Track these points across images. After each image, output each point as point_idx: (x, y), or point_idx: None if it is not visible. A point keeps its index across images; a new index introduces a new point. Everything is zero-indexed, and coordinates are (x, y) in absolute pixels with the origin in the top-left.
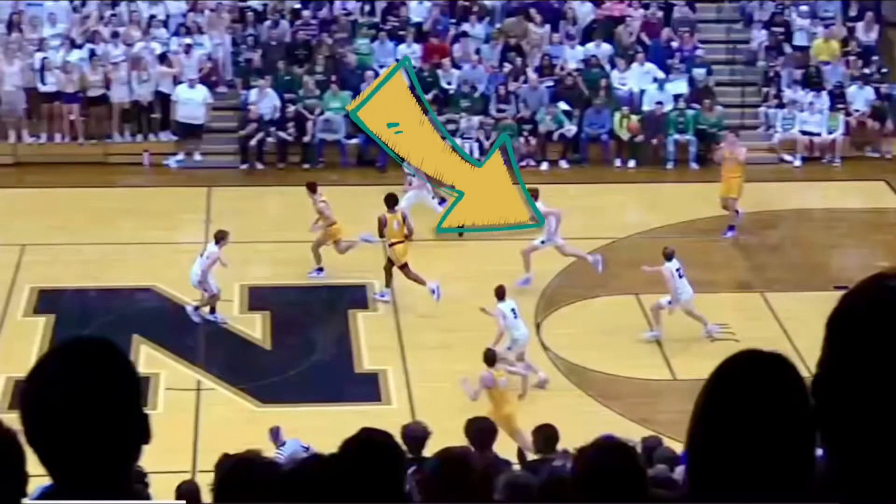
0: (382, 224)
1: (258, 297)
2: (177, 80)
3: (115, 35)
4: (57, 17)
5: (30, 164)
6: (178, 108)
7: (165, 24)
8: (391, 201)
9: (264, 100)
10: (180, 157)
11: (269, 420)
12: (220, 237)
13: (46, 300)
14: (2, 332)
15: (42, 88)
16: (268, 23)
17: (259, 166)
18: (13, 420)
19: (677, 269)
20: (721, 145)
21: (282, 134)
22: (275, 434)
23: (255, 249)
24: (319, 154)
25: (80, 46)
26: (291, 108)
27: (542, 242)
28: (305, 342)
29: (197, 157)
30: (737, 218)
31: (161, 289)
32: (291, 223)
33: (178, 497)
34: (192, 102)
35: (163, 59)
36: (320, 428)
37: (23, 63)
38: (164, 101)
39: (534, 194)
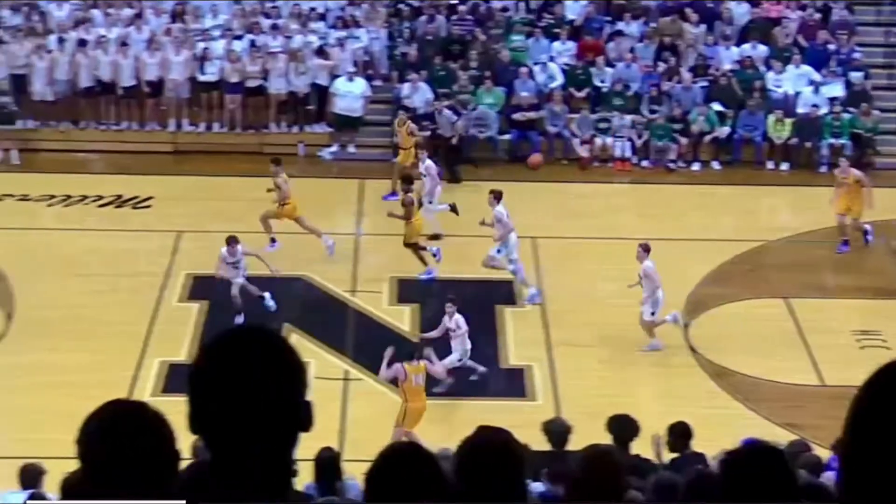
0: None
1: (407, 290)
2: (333, 73)
3: (274, 27)
4: (219, 8)
5: (188, 152)
6: (337, 100)
7: (323, 17)
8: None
9: (417, 94)
10: (334, 148)
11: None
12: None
13: (201, 286)
14: (157, 317)
15: (202, 78)
16: (424, 17)
17: None
18: (167, 404)
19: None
20: (835, 171)
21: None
22: None
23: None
24: (472, 149)
25: (240, 37)
26: (445, 103)
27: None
28: None
29: (351, 149)
30: (867, 235)
31: (312, 278)
32: (442, 217)
33: (318, 464)
34: (350, 95)
35: (320, 51)
36: (466, 420)
37: (188, 53)
38: (320, 93)
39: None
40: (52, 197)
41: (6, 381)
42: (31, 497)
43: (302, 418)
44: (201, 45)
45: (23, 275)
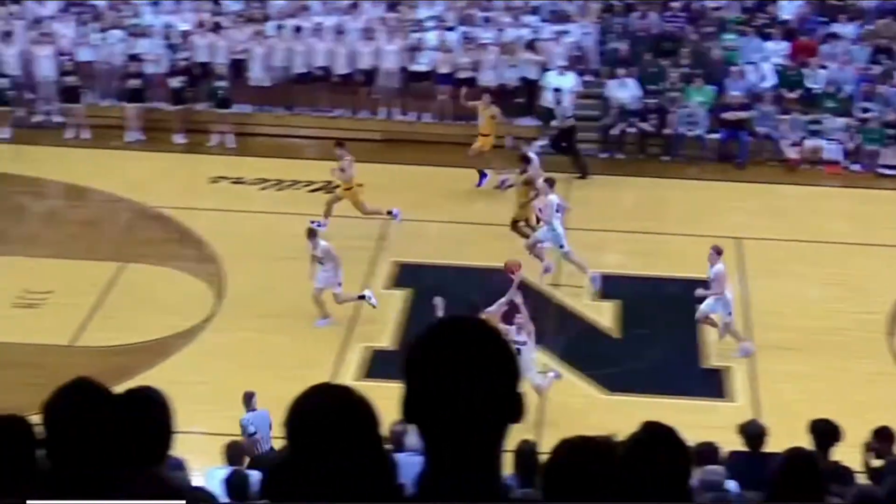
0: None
1: (609, 286)
2: (543, 67)
3: (487, 20)
4: None
5: (397, 140)
6: (546, 93)
7: (536, 11)
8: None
9: (627, 90)
10: (542, 141)
11: (613, 408)
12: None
13: (406, 274)
14: (365, 303)
15: (414, 68)
16: (636, 14)
17: (619, 156)
18: (369, 389)
19: None
20: None
21: (643, 125)
22: (248, 399)
23: (607, 238)
24: (680, 147)
25: (452, 29)
26: (654, 100)
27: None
28: (653, 334)
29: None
30: None
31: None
32: (645, 214)
33: (517, 455)
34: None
35: (530, 45)
36: (668, 421)
37: (402, 43)
38: (528, 86)
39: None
40: (265, 181)
41: (215, 360)
42: (233, 474)
43: (514, 409)
44: (415, 35)
45: (234, 256)
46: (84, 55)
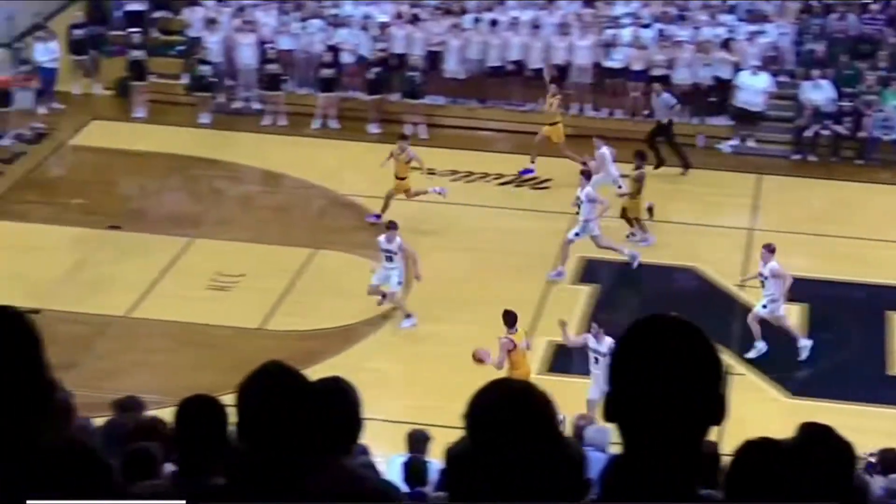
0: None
1: (797, 289)
2: (738, 67)
3: (682, 17)
4: None
5: (590, 136)
6: (739, 93)
7: (732, 10)
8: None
9: (822, 92)
10: (735, 141)
11: (795, 411)
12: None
13: (592, 270)
14: (548, 297)
15: (607, 64)
16: (835, 15)
17: (811, 158)
18: (552, 383)
19: None
20: None
21: (837, 128)
22: None
23: (795, 240)
24: (874, 151)
25: (647, 26)
26: (849, 103)
27: (577, 234)
28: (839, 338)
29: (750, 143)
30: None
31: (701, 270)
32: (835, 217)
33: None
34: (752, 89)
35: (725, 44)
36: (852, 427)
37: (595, 38)
38: (722, 86)
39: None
40: (456, 172)
41: (400, 348)
42: (411, 460)
43: (716, 411)
44: (610, 31)
45: (422, 245)
46: (284, 44)
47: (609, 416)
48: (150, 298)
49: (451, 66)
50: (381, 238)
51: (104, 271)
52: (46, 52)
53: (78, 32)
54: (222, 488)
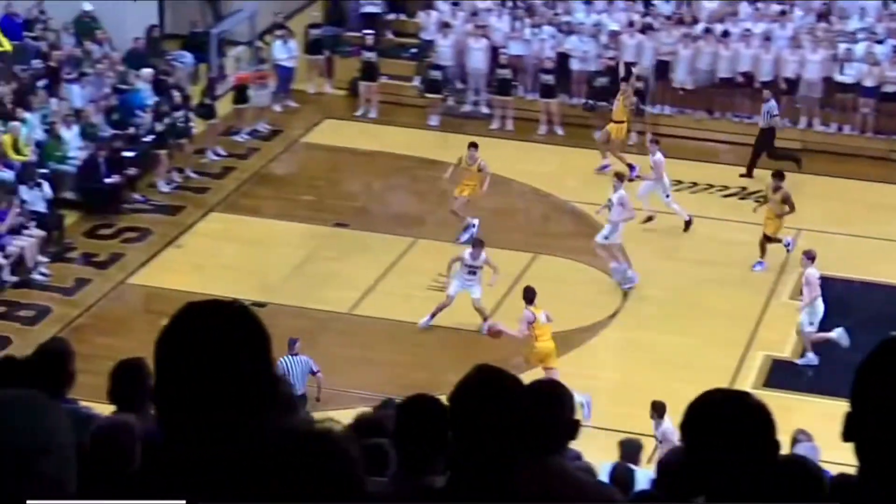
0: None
1: None
2: None
3: None
4: (866, 10)
5: (816, 151)
6: None
7: None
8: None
9: None
10: None
11: None
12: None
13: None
14: (767, 311)
15: (838, 79)
16: None
17: None
18: (767, 398)
19: None
20: None
21: None
22: (291, 344)
23: None
24: None
25: (882, 41)
26: None
27: (605, 238)
28: None
29: None
30: None
31: None
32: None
33: None
34: None
35: None
36: None
37: (826, 53)
38: None
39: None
40: (680, 182)
41: (616, 355)
42: (617, 467)
43: None
44: (843, 45)
45: (641, 254)
46: (515, 49)
47: (848, 436)
48: (372, 296)
49: (680, 76)
50: (467, 254)
51: (330, 268)
52: (285, 50)
53: (315, 32)
54: (442, 489)
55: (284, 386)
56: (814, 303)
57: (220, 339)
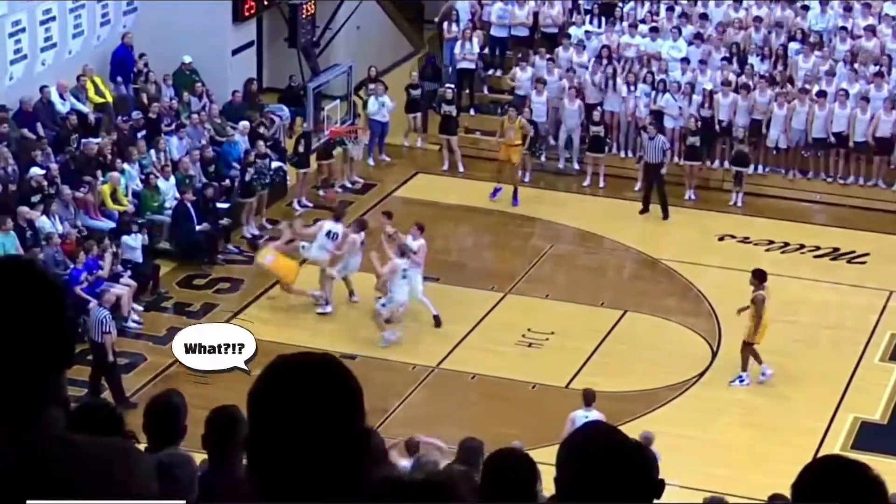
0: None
1: None
2: None
3: None
4: None
5: None
6: None
7: None
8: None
9: None
10: None
11: None
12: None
13: None
14: (857, 372)
15: None
16: None
17: None
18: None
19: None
20: None
21: None
22: None
23: None
24: None
25: None
26: None
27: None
28: None
29: None
30: None
31: None
32: None
33: None
34: None
35: None
36: None
37: None
38: None
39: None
40: (772, 242)
41: (703, 414)
42: None
43: None
44: None
45: (732, 314)
46: (609, 106)
47: None
48: (460, 350)
49: (773, 135)
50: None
51: (420, 321)
52: (378, 105)
53: (414, 93)
54: None
55: (375, 437)
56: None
57: (311, 393)
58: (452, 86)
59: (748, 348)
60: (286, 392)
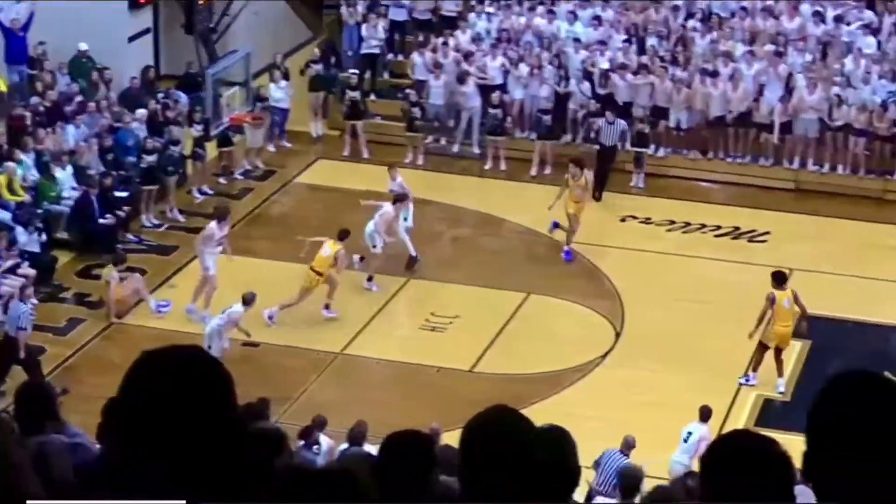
0: (771, 302)
1: None
2: None
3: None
4: (861, 51)
5: (809, 191)
6: None
7: None
8: (781, 278)
9: None
10: None
11: None
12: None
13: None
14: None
15: (833, 118)
16: None
17: None
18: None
19: None
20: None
21: None
22: None
23: None
24: None
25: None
26: None
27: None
28: None
29: None
30: None
31: None
32: None
33: None
34: None
35: None
36: None
37: (822, 94)
38: None
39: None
40: (673, 222)
41: (608, 396)
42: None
43: None
44: (835, 89)
45: (635, 294)
46: (512, 90)
47: (807, 475)
48: (364, 336)
49: (675, 116)
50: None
51: (322, 308)
52: (279, 91)
53: (316, 68)
54: None
55: (271, 424)
56: None
57: (177, 385)
58: (357, 71)
59: (761, 349)
60: (152, 385)
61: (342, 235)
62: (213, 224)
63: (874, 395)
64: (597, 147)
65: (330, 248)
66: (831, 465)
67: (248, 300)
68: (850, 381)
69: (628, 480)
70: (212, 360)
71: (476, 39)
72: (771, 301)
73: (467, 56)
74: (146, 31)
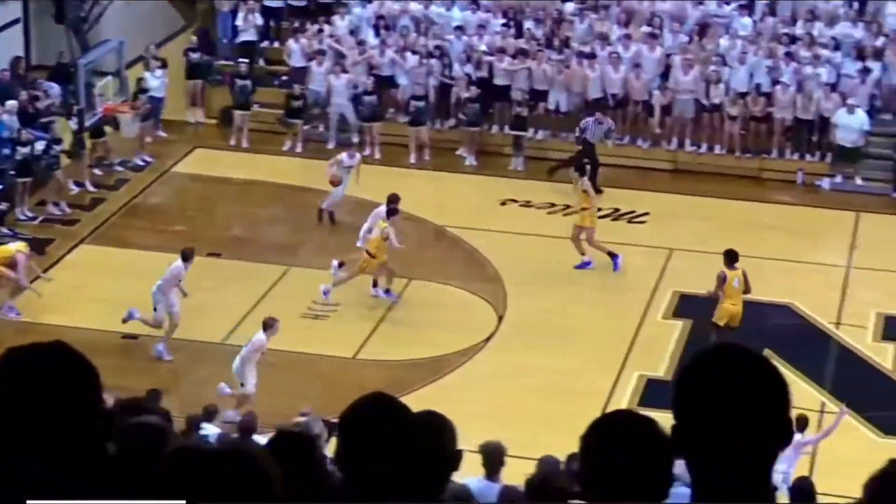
0: (721, 281)
1: (894, 328)
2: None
3: (788, 55)
4: (737, 31)
5: (687, 171)
6: (837, 131)
7: (838, 47)
8: (733, 257)
9: None
10: (838, 179)
11: (889, 451)
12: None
13: (686, 305)
14: (641, 331)
15: (711, 97)
16: None
17: None
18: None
19: None
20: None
21: None
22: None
23: (893, 279)
24: None
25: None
26: None
27: None
28: None
29: (858, 181)
30: None
31: (797, 307)
32: None
33: None
34: (848, 127)
35: (834, 83)
36: None
37: (698, 74)
38: (823, 123)
39: None
40: (553, 205)
41: (491, 380)
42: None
43: (783, 434)
44: (712, 67)
45: (517, 278)
46: (399, 78)
47: (678, 450)
48: (246, 325)
49: (554, 99)
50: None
51: (203, 298)
52: (154, 81)
53: (193, 56)
54: None
55: (155, 416)
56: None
57: (41, 380)
58: (247, 60)
59: (713, 328)
60: (16, 381)
61: (390, 213)
62: (178, 263)
63: (734, 363)
64: (578, 146)
65: (378, 228)
66: (697, 436)
67: (268, 325)
68: (710, 351)
69: (490, 458)
70: (72, 353)
71: (353, 31)
72: (721, 280)
73: (362, 45)
74: (15, 22)
